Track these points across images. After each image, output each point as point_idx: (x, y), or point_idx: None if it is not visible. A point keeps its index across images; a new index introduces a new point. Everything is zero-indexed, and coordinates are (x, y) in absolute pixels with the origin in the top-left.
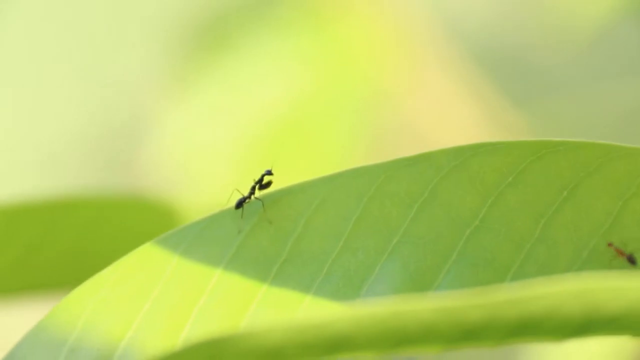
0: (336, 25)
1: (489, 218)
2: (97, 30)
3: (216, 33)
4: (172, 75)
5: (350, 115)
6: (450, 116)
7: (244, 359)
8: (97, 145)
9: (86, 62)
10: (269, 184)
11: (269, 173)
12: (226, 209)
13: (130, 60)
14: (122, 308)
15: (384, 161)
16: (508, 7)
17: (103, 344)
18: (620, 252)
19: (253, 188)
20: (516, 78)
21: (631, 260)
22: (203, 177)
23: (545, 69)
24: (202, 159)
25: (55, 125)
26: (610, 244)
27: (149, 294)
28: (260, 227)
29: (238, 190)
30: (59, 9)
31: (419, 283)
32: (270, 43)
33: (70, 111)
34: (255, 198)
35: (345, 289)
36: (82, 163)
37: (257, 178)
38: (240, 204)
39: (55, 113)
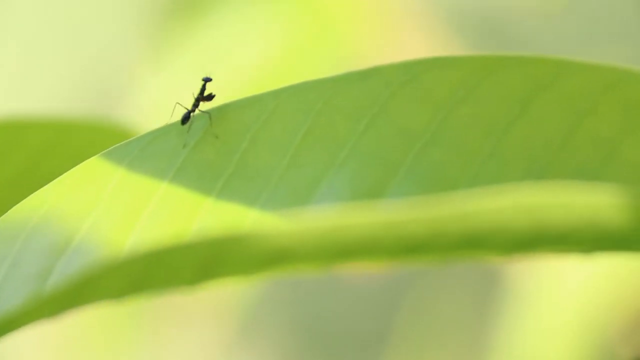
0: None
1: (439, 133)
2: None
3: None
4: (147, 42)
5: None
6: None
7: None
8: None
9: (59, 33)
10: (211, 95)
11: (209, 79)
12: (171, 123)
13: (104, 26)
14: (66, 221)
15: (333, 75)
16: None
17: (45, 257)
18: None
19: (197, 100)
20: (495, 44)
21: None
22: None
23: (523, 33)
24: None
25: (31, 93)
26: None
27: (93, 208)
28: (205, 141)
29: (180, 104)
30: None
31: (366, 197)
32: (245, 6)
33: (43, 82)
34: (201, 111)
35: (292, 203)
36: None
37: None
38: (185, 119)
39: (29, 83)
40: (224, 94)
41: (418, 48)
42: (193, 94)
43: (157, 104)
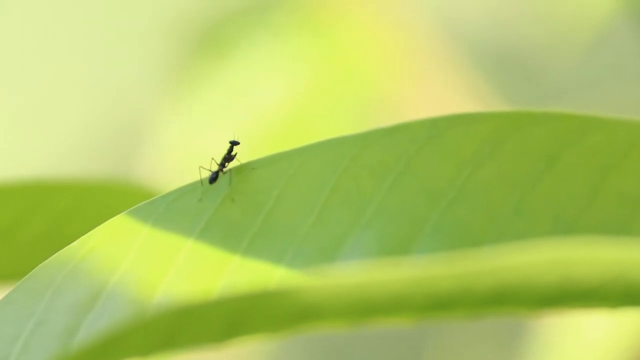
0: (335, 29)
1: (465, 190)
2: (94, 35)
3: (215, 37)
4: (170, 80)
5: (349, 119)
6: None
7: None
8: (95, 150)
9: (84, 66)
10: (235, 155)
11: (236, 143)
12: (197, 181)
13: (128, 64)
14: (90, 280)
15: (359, 132)
16: (508, 11)
17: (72, 314)
18: None
19: (223, 160)
20: (517, 83)
21: None
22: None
23: (546, 74)
24: (201, 164)
25: (52, 127)
26: None
27: (118, 267)
28: (231, 199)
29: (203, 168)
30: (60, 9)
31: (393, 254)
32: (268, 47)
33: (66, 116)
34: (227, 170)
35: (318, 260)
36: (80, 163)
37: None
38: (213, 179)
39: (51, 116)
40: (247, 134)
41: (441, 89)
42: (214, 159)
43: (180, 145)
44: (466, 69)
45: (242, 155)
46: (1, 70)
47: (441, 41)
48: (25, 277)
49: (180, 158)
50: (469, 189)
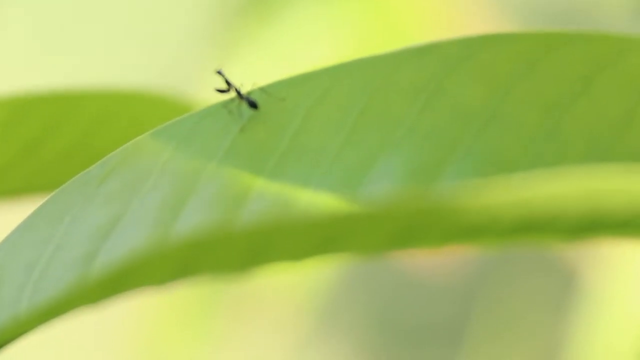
0: None
1: (497, 112)
2: (138, 2)
3: (260, 1)
4: (215, 45)
5: None
6: None
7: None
8: None
9: (129, 34)
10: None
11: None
12: (222, 101)
13: (173, 30)
14: (109, 205)
15: (389, 52)
16: None
17: (89, 241)
18: None
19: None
20: None
21: None
22: None
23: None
24: None
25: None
26: None
27: (139, 190)
28: (257, 119)
29: (220, 91)
30: None
31: (422, 178)
32: (314, 11)
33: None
34: (252, 90)
35: (346, 183)
36: None
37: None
38: (238, 98)
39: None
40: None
41: None
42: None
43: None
44: (511, 26)
45: None
46: (51, 38)
47: (489, 6)
48: (44, 201)
49: None
50: (501, 111)
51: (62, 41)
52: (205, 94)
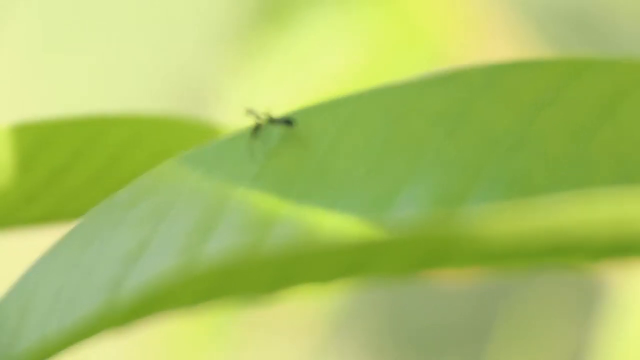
0: None
1: (523, 137)
2: (160, 5)
3: (277, 5)
4: (233, 49)
5: None
6: None
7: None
8: None
9: (148, 35)
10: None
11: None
12: (250, 127)
13: (192, 32)
14: (138, 229)
15: (413, 78)
16: None
17: (118, 265)
18: None
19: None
20: (584, 48)
21: None
22: None
23: (614, 36)
24: None
25: (115, 97)
26: None
27: (166, 215)
28: (284, 146)
29: (252, 113)
30: None
31: (449, 204)
32: (331, 14)
33: (129, 84)
34: (279, 118)
35: (372, 210)
36: None
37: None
38: (264, 125)
39: (115, 84)
40: (311, 100)
41: (503, 48)
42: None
43: (241, 111)
44: (531, 35)
45: None
46: (69, 36)
47: (508, 9)
48: (74, 225)
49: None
50: (527, 136)
51: (73, 50)
52: (220, 101)
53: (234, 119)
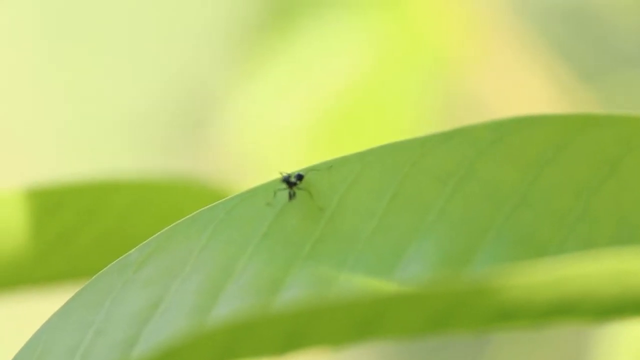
0: (403, 3)
1: (528, 195)
2: (163, 11)
3: (283, 11)
4: (240, 55)
5: (417, 89)
6: (518, 88)
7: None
8: (160, 128)
9: (153, 43)
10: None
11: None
12: (257, 186)
13: (197, 39)
14: (149, 289)
15: (419, 136)
16: None
17: (129, 326)
18: None
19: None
20: (585, 49)
21: None
22: (270, 157)
23: (616, 40)
24: (269, 139)
25: (119, 106)
26: None
27: (177, 275)
28: (291, 205)
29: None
30: None
31: (455, 262)
32: (337, 20)
33: (133, 92)
34: (289, 175)
35: (379, 268)
36: (145, 145)
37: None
38: (281, 189)
39: (118, 93)
40: (316, 107)
41: (509, 57)
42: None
43: (247, 117)
44: (534, 35)
45: (311, 127)
46: (71, 38)
47: (509, 8)
48: (84, 285)
49: (249, 134)
50: (532, 194)
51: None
52: (224, 111)
53: (237, 124)
